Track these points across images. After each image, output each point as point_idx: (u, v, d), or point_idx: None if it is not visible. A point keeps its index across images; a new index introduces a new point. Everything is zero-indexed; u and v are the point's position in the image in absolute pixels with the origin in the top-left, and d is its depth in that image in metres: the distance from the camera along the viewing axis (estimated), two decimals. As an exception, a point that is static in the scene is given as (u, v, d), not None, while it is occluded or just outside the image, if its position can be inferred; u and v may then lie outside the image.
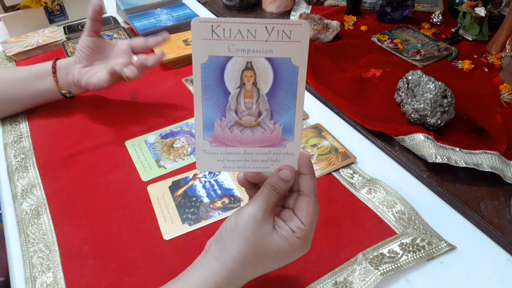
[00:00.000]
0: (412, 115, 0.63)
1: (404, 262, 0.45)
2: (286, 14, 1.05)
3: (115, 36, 0.86)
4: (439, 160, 0.55)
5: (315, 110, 0.70)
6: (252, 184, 0.38)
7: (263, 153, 0.36)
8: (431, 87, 0.61)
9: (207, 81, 0.33)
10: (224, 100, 0.34)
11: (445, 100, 0.61)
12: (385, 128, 0.63)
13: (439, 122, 0.61)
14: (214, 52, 0.32)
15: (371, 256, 0.46)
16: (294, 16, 1.02)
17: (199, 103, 0.34)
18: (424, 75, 0.63)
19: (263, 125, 0.35)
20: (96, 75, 0.63)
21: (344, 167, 0.58)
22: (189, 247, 0.48)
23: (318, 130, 0.65)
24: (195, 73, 0.33)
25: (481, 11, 0.84)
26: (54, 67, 0.65)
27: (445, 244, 0.47)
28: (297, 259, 0.37)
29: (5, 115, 0.69)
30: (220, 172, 0.58)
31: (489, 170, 0.54)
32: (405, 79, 0.66)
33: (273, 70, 0.33)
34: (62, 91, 0.66)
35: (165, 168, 0.59)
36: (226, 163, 0.36)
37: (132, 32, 0.91)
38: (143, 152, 0.62)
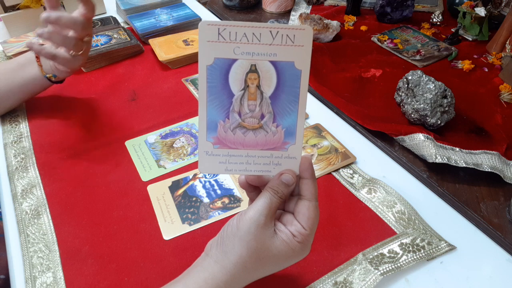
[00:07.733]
0: (412, 115, 0.63)
1: (404, 262, 0.45)
2: (286, 14, 1.05)
3: (115, 36, 0.86)
4: (439, 160, 0.55)
5: (315, 110, 0.70)
6: (253, 187, 0.38)
7: (265, 156, 0.36)
8: (431, 87, 0.61)
9: (212, 83, 0.33)
10: (228, 102, 0.34)
11: (445, 100, 0.61)
12: (385, 128, 0.63)
13: (439, 122, 0.61)
14: (219, 54, 0.33)
15: (371, 256, 0.46)
16: (294, 16, 1.02)
17: (204, 104, 0.34)
18: (424, 75, 0.63)
19: (265, 127, 0.35)
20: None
21: (344, 167, 0.58)
22: (189, 247, 0.48)
23: (318, 130, 0.65)
24: (200, 75, 0.33)
25: (481, 11, 0.84)
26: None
27: (445, 244, 0.47)
28: None
29: (1, 112, 0.69)
30: (220, 172, 0.58)
31: (489, 170, 0.54)
32: (405, 79, 0.66)
33: (276, 73, 0.33)
34: (47, 75, 0.66)
35: (165, 168, 0.59)
36: (228, 166, 0.36)
37: (132, 32, 0.91)
38: (143, 152, 0.62)
